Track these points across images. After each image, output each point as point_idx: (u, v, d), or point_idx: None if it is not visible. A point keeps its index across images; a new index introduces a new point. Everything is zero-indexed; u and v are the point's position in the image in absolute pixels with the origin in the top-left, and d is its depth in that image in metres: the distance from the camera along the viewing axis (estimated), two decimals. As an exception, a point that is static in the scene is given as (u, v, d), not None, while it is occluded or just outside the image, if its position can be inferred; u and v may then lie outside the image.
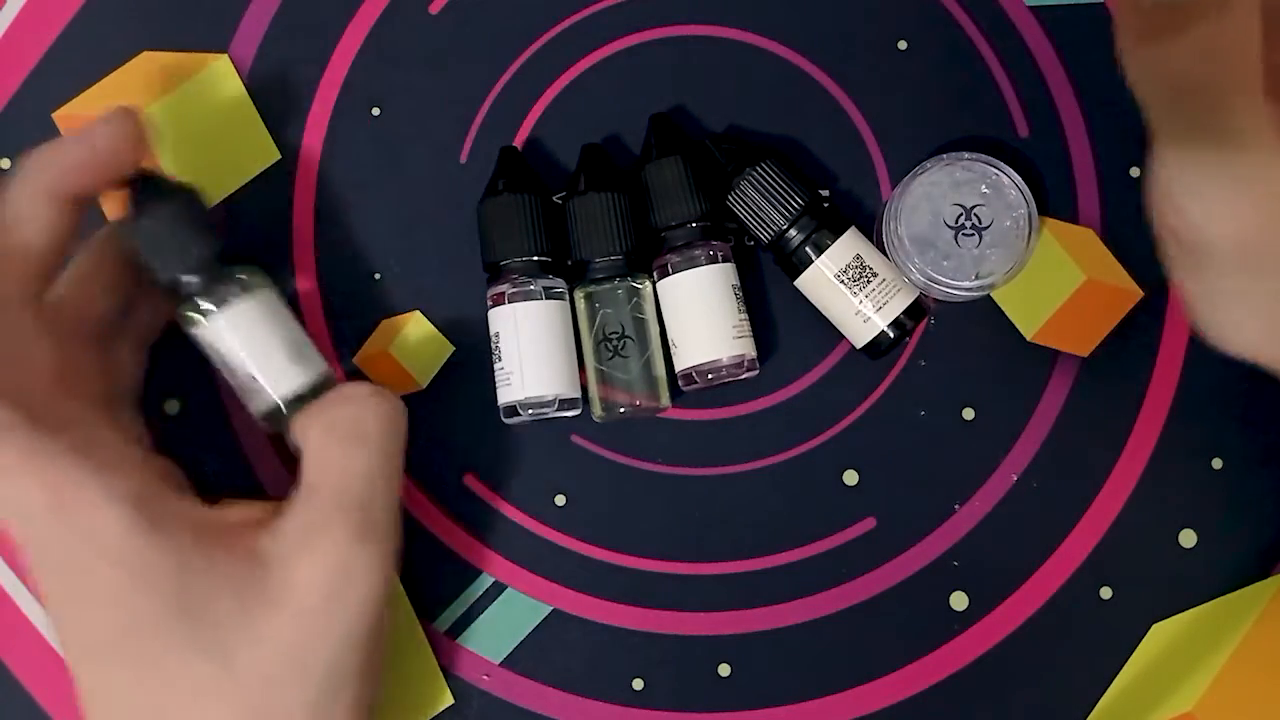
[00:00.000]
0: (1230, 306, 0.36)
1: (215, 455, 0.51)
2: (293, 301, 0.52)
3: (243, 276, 0.46)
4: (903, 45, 0.53)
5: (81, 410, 0.43)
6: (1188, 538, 0.51)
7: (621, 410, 0.49)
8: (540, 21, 0.53)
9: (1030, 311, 0.52)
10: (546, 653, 0.51)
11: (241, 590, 0.40)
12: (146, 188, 0.45)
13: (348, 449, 0.43)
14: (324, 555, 0.41)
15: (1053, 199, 0.52)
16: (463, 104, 0.53)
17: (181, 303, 0.46)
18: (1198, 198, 0.34)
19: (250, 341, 0.46)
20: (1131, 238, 0.52)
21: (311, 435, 0.44)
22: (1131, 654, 0.50)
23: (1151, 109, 0.33)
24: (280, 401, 0.46)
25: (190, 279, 0.45)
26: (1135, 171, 0.52)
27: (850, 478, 0.51)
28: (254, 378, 0.46)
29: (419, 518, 0.51)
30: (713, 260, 0.49)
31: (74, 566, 0.39)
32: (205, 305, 0.45)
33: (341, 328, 0.52)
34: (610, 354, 0.49)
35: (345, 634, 0.41)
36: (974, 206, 0.49)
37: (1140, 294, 0.52)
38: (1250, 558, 0.51)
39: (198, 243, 0.45)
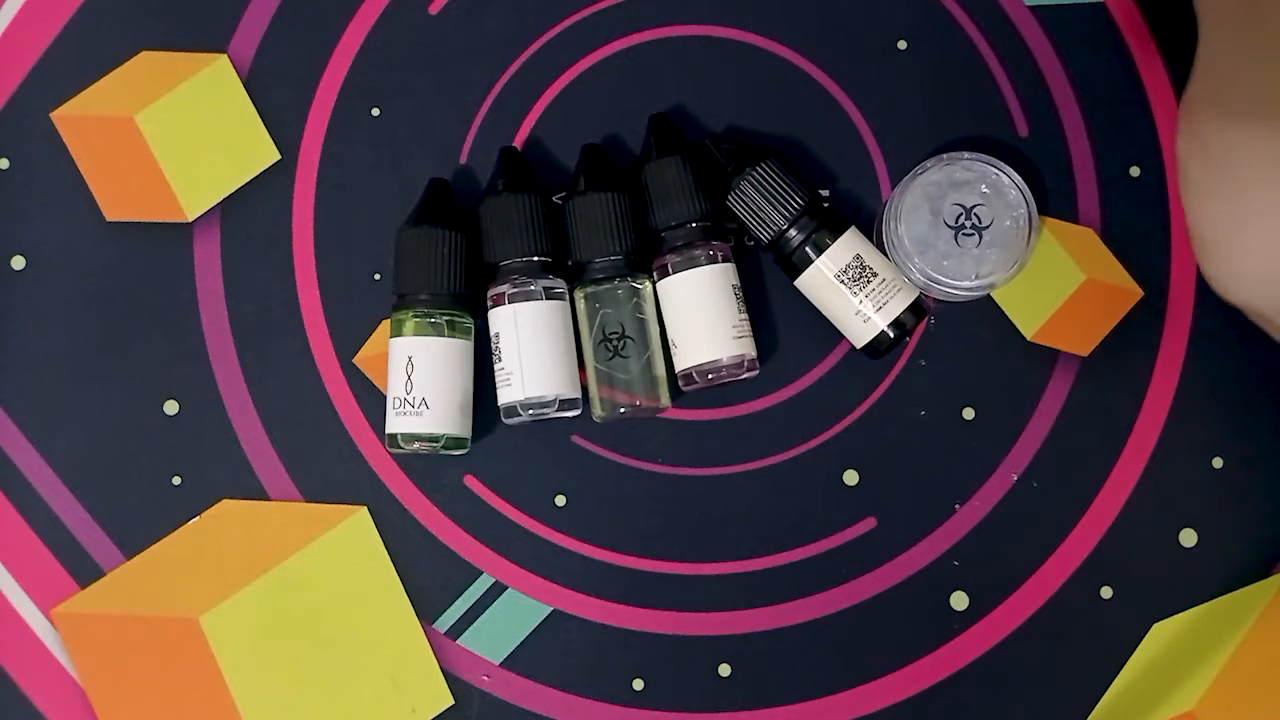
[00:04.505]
0: (1248, 228, 0.36)
1: (215, 455, 0.51)
2: (293, 304, 0.52)
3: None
4: (903, 45, 0.53)
5: None
6: (1188, 537, 0.51)
7: (622, 410, 0.49)
8: (540, 21, 0.53)
9: (1030, 311, 0.52)
10: (546, 653, 0.50)
11: None
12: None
13: None
14: None
15: (1053, 199, 0.52)
16: (463, 104, 0.53)
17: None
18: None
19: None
20: (1131, 238, 0.52)
21: None
22: (1131, 654, 0.50)
23: None
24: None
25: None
26: (1135, 171, 0.52)
27: (850, 478, 0.51)
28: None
29: (419, 518, 0.51)
30: (713, 260, 0.49)
31: None
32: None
33: (341, 328, 0.52)
34: (610, 354, 0.49)
35: None
36: (974, 206, 0.49)
37: (1140, 294, 0.52)
38: (1250, 558, 0.51)
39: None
